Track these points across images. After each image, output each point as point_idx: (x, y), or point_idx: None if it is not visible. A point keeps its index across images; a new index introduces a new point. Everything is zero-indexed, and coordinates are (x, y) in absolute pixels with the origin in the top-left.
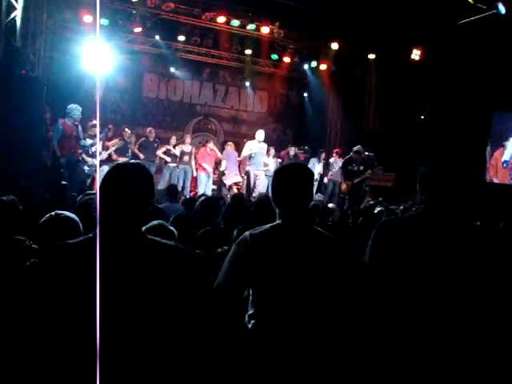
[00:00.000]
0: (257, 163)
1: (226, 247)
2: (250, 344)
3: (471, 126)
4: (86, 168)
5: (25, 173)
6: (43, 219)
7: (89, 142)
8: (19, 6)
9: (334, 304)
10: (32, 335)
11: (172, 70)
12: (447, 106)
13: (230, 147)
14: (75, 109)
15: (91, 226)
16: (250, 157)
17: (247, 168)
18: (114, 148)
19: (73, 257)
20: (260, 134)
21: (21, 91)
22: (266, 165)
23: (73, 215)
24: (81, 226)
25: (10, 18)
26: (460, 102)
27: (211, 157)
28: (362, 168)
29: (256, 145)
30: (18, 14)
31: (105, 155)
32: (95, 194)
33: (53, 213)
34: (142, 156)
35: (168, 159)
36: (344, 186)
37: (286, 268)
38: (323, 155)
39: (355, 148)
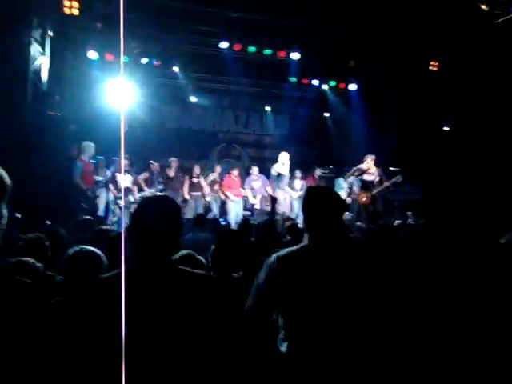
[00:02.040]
0: (284, 185)
1: (241, 272)
2: (285, 367)
3: (497, 131)
4: (120, 202)
5: (53, 209)
6: (69, 253)
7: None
8: (47, 51)
9: (365, 323)
10: (59, 371)
11: (192, 99)
12: (471, 115)
13: (254, 172)
14: (90, 145)
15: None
16: (278, 179)
17: (276, 191)
18: (149, 192)
19: (104, 290)
20: (284, 156)
21: (48, 130)
22: (292, 187)
23: (97, 250)
24: (105, 260)
25: (37, 63)
26: (484, 108)
27: (236, 184)
28: (377, 179)
29: (283, 167)
30: (44, 61)
31: (143, 193)
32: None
33: (77, 247)
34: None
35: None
36: (364, 199)
37: (313, 289)
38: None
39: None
